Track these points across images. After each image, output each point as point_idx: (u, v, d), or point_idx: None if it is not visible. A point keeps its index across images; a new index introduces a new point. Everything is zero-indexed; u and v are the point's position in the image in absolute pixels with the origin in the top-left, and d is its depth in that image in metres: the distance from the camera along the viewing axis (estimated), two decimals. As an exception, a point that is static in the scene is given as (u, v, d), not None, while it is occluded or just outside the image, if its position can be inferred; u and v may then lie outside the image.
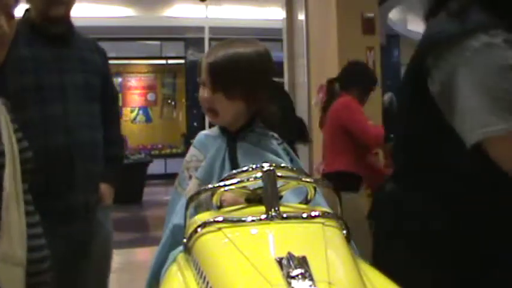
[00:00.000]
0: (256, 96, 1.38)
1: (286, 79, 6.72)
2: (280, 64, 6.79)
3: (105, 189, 2.21)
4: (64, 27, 2.12)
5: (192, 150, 1.43)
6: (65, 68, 2.09)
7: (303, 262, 0.85)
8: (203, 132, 1.47)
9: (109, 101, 2.27)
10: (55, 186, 2.03)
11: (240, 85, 1.35)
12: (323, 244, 0.97)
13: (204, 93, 1.39)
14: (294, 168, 1.21)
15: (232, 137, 1.40)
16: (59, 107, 2.04)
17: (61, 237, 2.08)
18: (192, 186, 1.34)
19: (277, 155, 1.36)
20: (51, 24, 2.06)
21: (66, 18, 2.11)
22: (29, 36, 2.05)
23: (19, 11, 2.17)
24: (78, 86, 2.11)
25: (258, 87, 1.38)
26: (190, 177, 1.36)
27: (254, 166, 1.13)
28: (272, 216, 1.03)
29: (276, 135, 1.42)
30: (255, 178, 1.11)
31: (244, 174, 1.14)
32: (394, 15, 12.80)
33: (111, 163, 2.24)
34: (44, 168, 2.01)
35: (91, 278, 2.22)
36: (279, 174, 1.10)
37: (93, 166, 2.12)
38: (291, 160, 1.39)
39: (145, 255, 2.91)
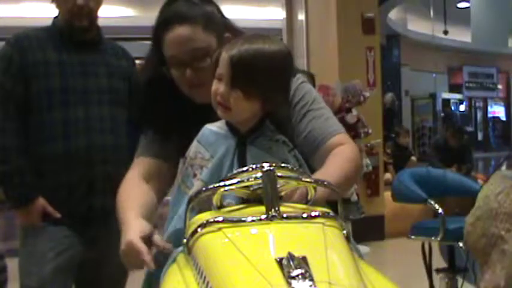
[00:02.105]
0: (275, 97, 1.32)
1: (286, 79, 6.72)
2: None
3: None
4: (90, 34, 2.15)
5: (196, 146, 1.35)
6: (89, 72, 2.12)
7: (303, 262, 0.85)
8: (209, 126, 1.37)
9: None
10: (75, 189, 2.05)
11: (260, 84, 1.28)
12: (323, 244, 0.97)
13: (219, 87, 1.30)
14: (295, 168, 1.21)
15: (242, 139, 1.33)
16: (81, 111, 2.07)
17: (82, 241, 2.10)
18: (196, 188, 1.29)
19: (288, 163, 1.31)
20: (77, 33, 2.10)
21: (91, 27, 2.13)
22: (57, 42, 2.11)
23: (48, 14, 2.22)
24: (102, 90, 2.13)
25: (278, 89, 1.33)
26: (194, 175, 1.33)
27: (254, 166, 1.13)
28: (272, 216, 1.03)
29: (286, 140, 1.36)
30: (255, 178, 1.10)
31: (245, 174, 1.13)
32: (394, 15, 12.80)
33: None
34: (65, 169, 2.04)
35: (108, 282, 2.23)
36: (279, 174, 1.10)
37: (114, 170, 2.12)
38: (300, 166, 1.35)
39: (146, 255, 2.91)
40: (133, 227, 1.33)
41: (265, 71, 1.28)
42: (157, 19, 1.47)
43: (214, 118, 1.36)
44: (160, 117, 1.53)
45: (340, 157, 1.38)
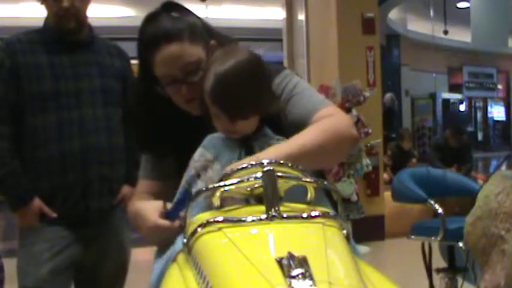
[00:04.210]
0: (264, 100, 1.33)
1: (286, 79, 6.73)
2: (280, 64, 6.80)
3: (128, 192, 2.20)
4: (81, 35, 2.14)
5: (200, 150, 1.36)
6: (82, 74, 2.11)
7: (303, 262, 0.85)
8: (213, 134, 1.39)
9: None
10: (72, 190, 2.06)
11: (248, 101, 1.30)
12: (323, 244, 0.97)
13: (220, 124, 1.34)
14: (294, 166, 1.20)
15: (245, 139, 1.35)
16: (75, 113, 2.08)
17: (79, 241, 2.11)
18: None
19: None
20: (67, 35, 2.09)
21: (80, 28, 2.12)
22: (48, 44, 2.10)
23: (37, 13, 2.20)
24: (96, 90, 2.13)
25: (262, 93, 1.33)
26: (198, 175, 1.34)
27: (253, 163, 1.13)
28: (272, 216, 1.03)
29: (285, 139, 1.36)
30: (255, 178, 1.10)
31: (244, 172, 1.13)
32: (394, 15, 12.82)
33: (135, 166, 2.24)
34: (60, 171, 2.04)
35: (107, 282, 2.23)
36: (279, 174, 1.10)
37: (110, 170, 2.13)
38: None
39: (145, 255, 2.91)
40: (149, 210, 1.36)
41: (244, 87, 1.29)
42: (140, 39, 1.43)
43: (210, 132, 1.38)
44: (154, 139, 1.54)
45: (314, 128, 1.33)
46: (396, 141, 8.17)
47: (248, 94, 1.30)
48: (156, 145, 1.55)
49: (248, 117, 1.31)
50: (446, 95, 16.22)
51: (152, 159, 1.57)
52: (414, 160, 7.90)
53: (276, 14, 8.62)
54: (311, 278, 0.82)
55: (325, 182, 1.21)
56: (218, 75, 1.29)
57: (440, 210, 3.03)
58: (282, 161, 1.15)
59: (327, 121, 1.34)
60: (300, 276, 0.82)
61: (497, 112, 18.50)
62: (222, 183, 1.13)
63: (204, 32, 1.46)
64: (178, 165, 1.40)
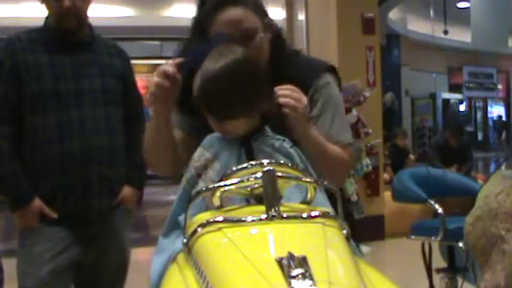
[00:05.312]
0: (257, 103, 1.33)
1: (286, 79, 6.71)
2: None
3: (128, 192, 2.20)
4: (81, 34, 2.13)
5: (199, 150, 1.37)
6: (82, 74, 2.11)
7: (303, 262, 0.85)
8: (212, 134, 1.40)
9: (131, 105, 2.26)
10: (72, 190, 2.05)
11: (235, 103, 1.30)
12: (323, 244, 0.97)
13: (212, 124, 1.36)
14: (294, 166, 1.20)
15: (245, 138, 1.35)
16: (75, 113, 2.07)
17: (80, 242, 2.10)
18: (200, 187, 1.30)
19: (292, 158, 1.33)
20: (67, 35, 2.09)
21: (81, 27, 2.12)
22: (48, 43, 2.10)
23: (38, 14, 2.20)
24: (96, 90, 2.12)
25: (252, 95, 1.32)
26: (198, 175, 1.34)
27: (253, 163, 1.13)
28: (272, 216, 1.03)
29: (286, 139, 1.37)
30: (255, 178, 1.10)
31: (244, 172, 1.13)
32: (394, 15, 12.81)
33: (135, 167, 2.24)
34: (60, 172, 2.03)
35: (107, 282, 2.23)
36: (279, 174, 1.10)
37: (110, 171, 2.12)
38: (302, 162, 1.35)
39: (146, 255, 2.92)
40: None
41: (231, 88, 1.29)
42: (205, 5, 1.54)
43: None
44: (183, 98, 1.54)
45: (337, 149, 1.54)
46: (391, 140, 8.19)
47: (236, 95, 1.29)
48: (185, 103, 1.56)
49: (238, 117, 1.31)
50: (446, 95, 16.23)
51: (180, 114, 1.61)
52: (412, 157, 7.89)
53: (276, 14, 8.61)
54: (311, 278, 0.82)
55: (325, 182, 1.21)
56: (205, 76, 1.30)
57: (440, 210, 3.03)
58: (282, 161, 1.15)
59: (344, 154, 1.55)
60: (300, 276, 0.82)
61: (497, 112, 18.51)
62: (222, 183, 1.13)
63: (263, 9, 1.60)
64: (202, 125, 1.42)
